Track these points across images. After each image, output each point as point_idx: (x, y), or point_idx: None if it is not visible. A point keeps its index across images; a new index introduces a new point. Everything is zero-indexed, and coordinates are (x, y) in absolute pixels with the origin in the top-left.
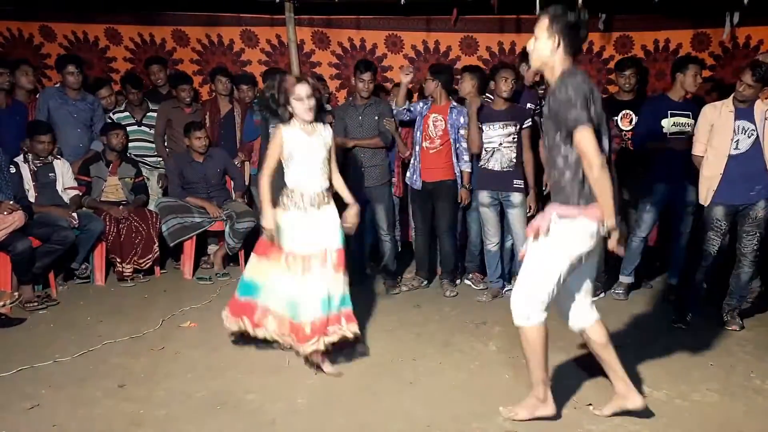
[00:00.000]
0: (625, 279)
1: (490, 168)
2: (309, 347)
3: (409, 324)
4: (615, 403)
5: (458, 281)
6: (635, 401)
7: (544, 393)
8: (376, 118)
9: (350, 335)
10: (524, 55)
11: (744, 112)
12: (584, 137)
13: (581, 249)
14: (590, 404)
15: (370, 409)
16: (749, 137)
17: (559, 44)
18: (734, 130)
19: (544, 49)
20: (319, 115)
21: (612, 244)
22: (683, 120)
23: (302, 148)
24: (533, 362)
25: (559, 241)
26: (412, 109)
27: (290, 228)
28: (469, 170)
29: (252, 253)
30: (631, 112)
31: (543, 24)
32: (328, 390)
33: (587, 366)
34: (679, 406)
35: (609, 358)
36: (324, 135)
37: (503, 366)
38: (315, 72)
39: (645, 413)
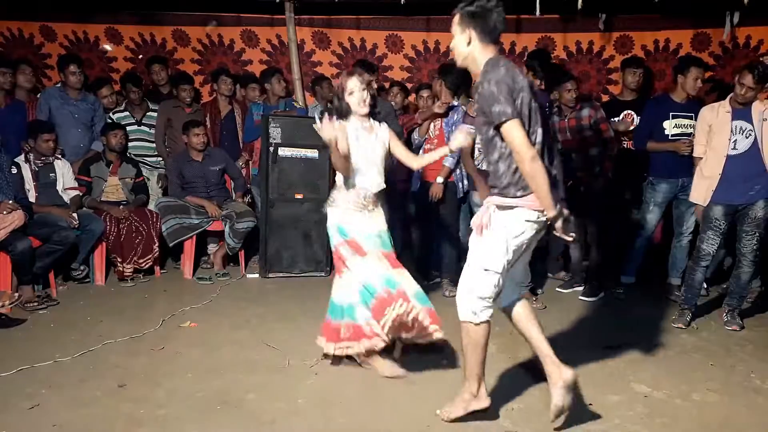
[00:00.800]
0: (626, 279)
1: (483, 168)
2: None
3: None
4: (556, 388)
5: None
6: (567, 375)
7: (478, 388)
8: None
9: (439, 336)
10: (530, 56)
11: (741, 113)
12: (511, 131)
13: (522, 238)
14: (590, 404)
15: (370, 409)
16: (747, 137)
17: (470, 36)
18: (732, 131)
19: (460, 44)
20: (375, 112)
21: (558, 231)
22: (685, 122)
23: (357, 144)
24: (472, 358)
25: (499, 233)
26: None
27: (349, 229)
28: (450, 166)
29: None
30: (633, 113)
31: (455, 20)
32: (328, 390)
33: (587, 367)
34: (679, 406)
35: (531, 333)
36: (381, 134)
37: (503, 366)
38: (316, 72)
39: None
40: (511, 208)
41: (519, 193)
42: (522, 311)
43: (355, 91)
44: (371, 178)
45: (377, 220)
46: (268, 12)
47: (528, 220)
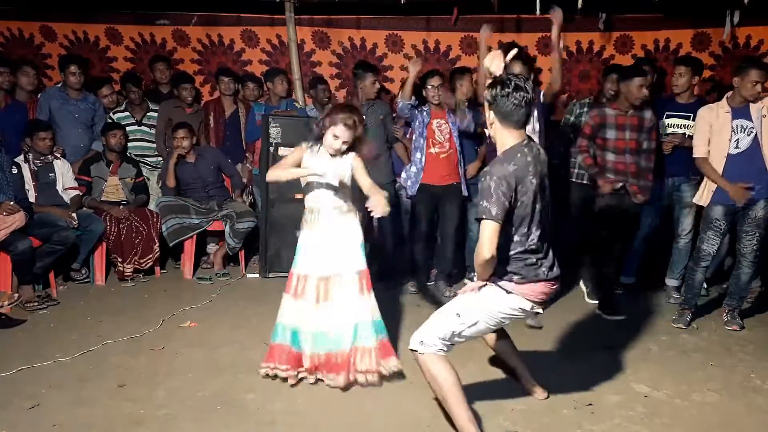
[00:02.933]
0: (626, 279)
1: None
2: (336, 380)
3: (409, 324)
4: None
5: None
6: (541, 396)
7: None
8: (382, 117)
9: (385, 373)
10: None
11: (740, 111)
12: (484, 229)
13: (504, 316)
14: (590, 404)
15: (370, 409)
16: (749, 135)
17: (492, 119)
18: (733, 129)
19: (490, 126)
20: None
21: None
22: (681, 122)
23: (322, 163)
24: (451, 402)
25: (487, 303)
26: (416, 112)
27: (304, 248)
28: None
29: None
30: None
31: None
32: (328, 390)
33: (587, 367)
34: (679, 406)
35: (515, 363)
36: (345, 163)
37: (503, 366)
38: (316, 72)
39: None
40: (507, 292)
41: (516, 279)
42: (501, 339)
43: (339, 137)
44: (323, 197)
45: (337, 239)
46: (268, 12)
47: (516, 306)
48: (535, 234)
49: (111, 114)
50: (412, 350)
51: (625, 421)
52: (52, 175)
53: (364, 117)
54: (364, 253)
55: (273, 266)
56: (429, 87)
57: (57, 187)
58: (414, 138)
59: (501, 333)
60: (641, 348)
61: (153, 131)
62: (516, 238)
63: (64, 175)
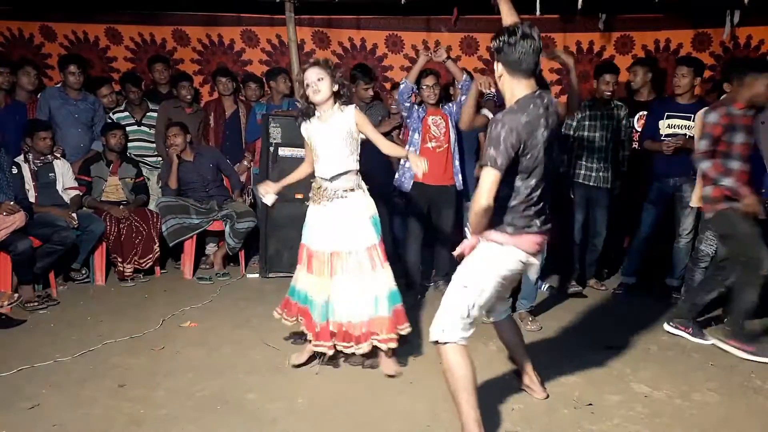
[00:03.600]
0: (626, 279)
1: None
2: (355, 349)
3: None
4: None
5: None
6: (541, 396)
7: None
8: (380, 119)
9: (403, 333)
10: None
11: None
12: (486, 177)
13: (505, 273)
14: (590, 404)
15: (370, 409)
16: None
17: (500, 71)
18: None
19: (496, 75)
20: (341, 96)
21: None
22: (680, 122)
23: (318, 136)
24: (462, 399)
25: (485, 263)
26: (413, 108)
27: (310, 224)
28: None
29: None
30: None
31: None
32: (328, 390)
33: (587, 367)
34: (679, 406)
35: (519, 355)
36: (344, 117)
37: (503, 366)
38: None
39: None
40: (500, 243)
41: (510, 230)
42: (508, 328)
43: (310, 84)
44: (326, 165)
45: (347, 212)
46: (268, 12)
47: (514, 258)
48: (539, 186)
49: (111, 114)
50: (434, 342)
51: (625, 421)
52: (52, 175)
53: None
54: (377, 227)
55: (273, 266)
56: (424, 87)
57: (57, 187)
58: (409, 134)
59: (511, 324)
60: (641, 348)
61: (153, 131)
62: (520, 189)
63: (64, 175)
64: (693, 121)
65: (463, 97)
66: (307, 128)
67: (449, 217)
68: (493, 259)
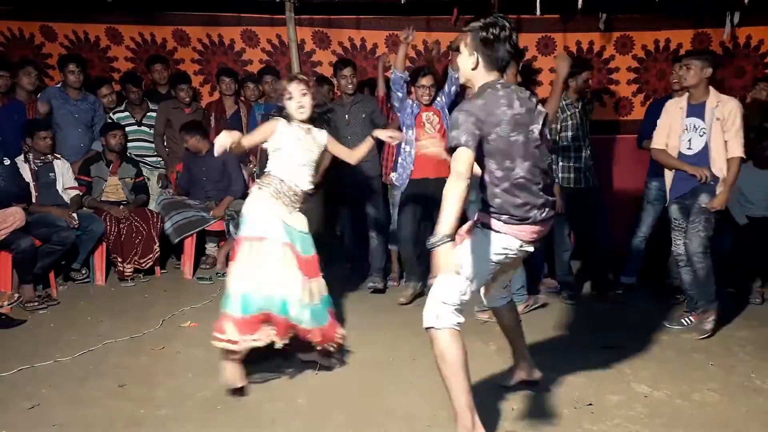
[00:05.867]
0: (626, 279)
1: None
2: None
3: (409, 324)
4: (517, 376)
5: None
6: (535, 375)
7: (472, 420)
8: (363, 116)
9: (340, 341)
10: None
11: (695, 110)
12: (458, 156)
13: (499, 259)
14: (590, 404)
15: (370, 409)
16: (701, 136)
17: (477, 62)
18: (686, 128)
19: (466, 65)
20: (318, 118)
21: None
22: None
23: (294, 143)
24: (454, 383)
25: (478, 249)
26: (406, 103)
27: (261, 213)
28: None
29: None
30: None
31: (466, 39)
32: (328, 390)
33: (587, 367)
34: (679, 406)
35: (515, 338)
36: (318, 138)
37: (503, 366)
38: (316, 72)
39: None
40: (497, 231)
41: (504, 218)
42: (507, 315)
43: (294, 97)
44: (301, 178)
45: (300, 220)
46: (268, 12)
47: (510, 246)
48: (521, 167)
49: (111, 114)
50: (427, 328)
51: (625, 421)
52: (52, 174)
53: (347, 116)
54: (312, 241)
55: None
56: (420, 87)
57: (57, 187)
58: (404, 130)
59: (510, 307)
60: (641, 348)
61: (153, 131)
62: (498, 173)
63: (64, 175)
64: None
65: (453, 88)
66: (286, 129)
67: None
68: (486, 245)
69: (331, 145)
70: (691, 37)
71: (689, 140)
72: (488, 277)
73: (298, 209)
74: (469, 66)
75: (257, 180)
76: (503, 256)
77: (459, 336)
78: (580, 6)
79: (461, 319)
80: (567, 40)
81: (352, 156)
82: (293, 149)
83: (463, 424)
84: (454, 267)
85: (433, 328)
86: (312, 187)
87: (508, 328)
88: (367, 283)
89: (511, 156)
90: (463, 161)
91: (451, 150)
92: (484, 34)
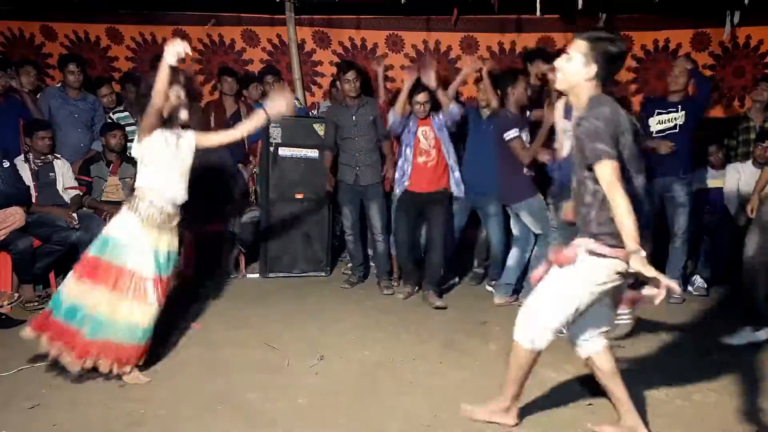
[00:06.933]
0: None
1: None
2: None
3: (409, 324)
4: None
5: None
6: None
7: (510, 406)
8: (371, 119)
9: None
10: (525, 56)
11: (569, 112)
12: (606, 171)
13: (604, 287)
14: (590, 404)
15: (370, 409)
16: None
17: (596, 73)
18: (563, 130)
19: (577, 74)
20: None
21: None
22: (667, 117)
23: (168, 149)
24: (515, 378)
25: (584, 276)
26: (407, 124)
27: (132, 239)
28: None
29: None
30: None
31: (581, 47)
32: (328, 390)
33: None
34: (679, 406)
35: (615, 388)
36: (187, 139)
37: (503, 366)
38: (317, 71)
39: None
40: (603, 256)
41: (613, 242)
42: (603, 362)
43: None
44: (175, 189)
45: (171, 238)
46: (269, 12)
47: (615, 269)
48: (639, 179)
49: (111, 114)
50: (517, 342)
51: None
52: (52, 174)
53: (354, 117)
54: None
55: (273, 267)
56: (416, 104)
57: (57, 187)
58: (402, 146)
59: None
60: (641, 348)
61: None
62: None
63: (64, 174)
64: (678, 112)
65: (450, 122)
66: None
67: (440, 218)
68: (592, 272)
69: (200, 138)
70: (691, 37)
71: (565, 144)
72: (593, 303)
73: (171, 226)
74: (584, 75)
75: (133, 200)
76: (610, 283)
77: (538, 355)
78: (580, 6)
79: (551, 340)
80: (567, 40)
81: (231, 135)
82: (162, 156)
83: (503, 405)
84: (655, 273)
85: (523, 346)
86: (186, 198)
87: (604, 378)
88: (383, 290)
89: (633, 168)
90: (616, 173)
91: (591, 166)
92: (613, 48)
